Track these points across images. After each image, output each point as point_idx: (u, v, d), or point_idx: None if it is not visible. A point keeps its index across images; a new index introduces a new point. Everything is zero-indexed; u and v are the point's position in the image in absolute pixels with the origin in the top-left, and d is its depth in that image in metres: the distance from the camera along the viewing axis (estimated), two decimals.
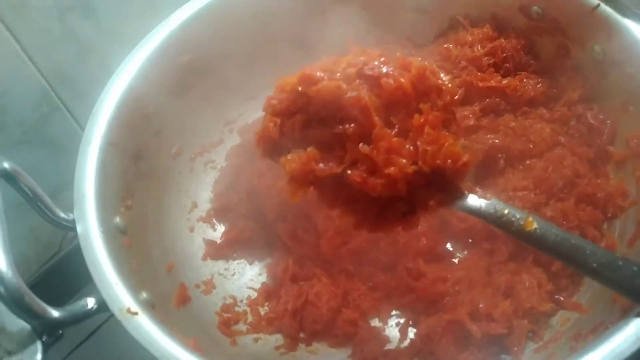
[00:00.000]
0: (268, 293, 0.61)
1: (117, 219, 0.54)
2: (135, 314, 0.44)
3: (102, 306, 0.45)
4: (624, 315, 0.44)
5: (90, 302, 0.45)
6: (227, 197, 0.67)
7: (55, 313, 0.42)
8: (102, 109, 0.59)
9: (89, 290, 0.47)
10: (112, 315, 0.44)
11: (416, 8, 0.73)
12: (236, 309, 0.61)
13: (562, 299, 0.55)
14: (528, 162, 0.61)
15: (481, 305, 0.52)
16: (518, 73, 0.67)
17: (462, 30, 0.71)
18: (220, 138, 0.73)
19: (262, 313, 0.60)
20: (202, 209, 0.68)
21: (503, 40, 0.67)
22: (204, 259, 0.64)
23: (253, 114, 0.74)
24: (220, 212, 0.68)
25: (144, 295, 0.48)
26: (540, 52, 0.67)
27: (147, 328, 0.43)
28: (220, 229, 0.67)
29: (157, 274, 0.57)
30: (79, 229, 0.50)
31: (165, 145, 0.67)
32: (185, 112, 0.69)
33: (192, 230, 0.66)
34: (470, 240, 0.57)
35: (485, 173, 0.62)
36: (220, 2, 0.68)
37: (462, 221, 0.58)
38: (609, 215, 0.57)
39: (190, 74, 0.68)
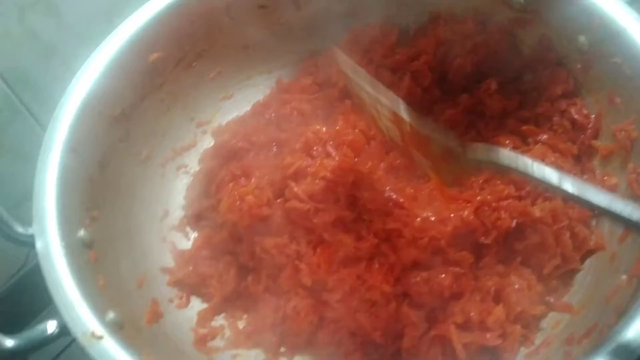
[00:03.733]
0: (246, 305, 0.58)
1: (82, 232, 0.50)
2: (101, 337, 0.40)
3: (64, 330, 0.41)
4: (619, 316, 0.43)
5: (51, 326, 0.42)
6: (201, 203, 0.64)
7: (9, 342, 0.39)
8: (64, 113, 0.55)
9: (50, 312, 0.43)
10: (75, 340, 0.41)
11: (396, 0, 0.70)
12: (213, 323, 0.57)
13: (552, 300, 0.53)
14: None
15: (472, 314, 0.50)
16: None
17: (442, 25, 0.68)
18: (193, 141, 0.69)
19: (241, 327, 0.57)
20: (174, 217, 0.65)
21: (486, 36, 0.65)
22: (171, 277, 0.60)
23: (227, 114, 0.71)
24: (193, 219, 0.64)
25: (112, 315, 0.45)
26: (524, 46, 0.65)
27: (113, 354, 0.40)
28: (194, 237, 0.64)
29: (127, 290, 0.53)
30: (38, 245, 0.46)
31: (134, 151, 0.63)
32: (154, 114, 0.65)
33: (164, 240, 0.62)
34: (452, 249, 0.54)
35: (463, 187, 0.58)
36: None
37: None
38: (597, 212, 0.55)
39: (158, 74, 0.65)
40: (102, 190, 0.56)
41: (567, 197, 0.42)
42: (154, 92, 0.65)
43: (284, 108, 0.67)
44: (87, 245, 0.50)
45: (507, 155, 0.43)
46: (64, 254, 0.45)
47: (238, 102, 0.72)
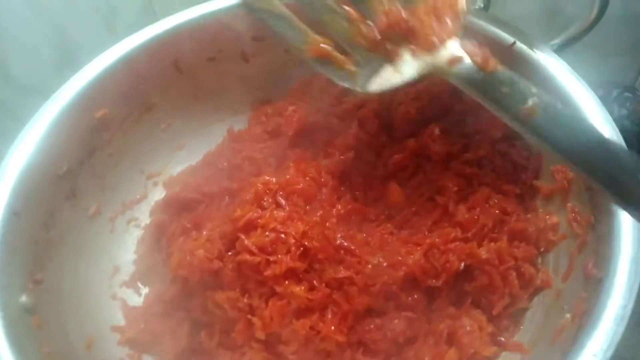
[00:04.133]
0: None
1: (23, 298, 0.49)
2: None
3: None
4: (564, 356, 0.44)
5: None
6: (152, 257, 0.63)
7: None
8: (4, 174, 0.54)
9: None
10: None
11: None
12: None
13: (503, 339, 0.54)
14: (452, 209, 0.59)
15: (426, 359, 0.50)
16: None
17: None
18: (143, 193, 0.69)
19: None
20: (125, 272, 0.63)
21: (427, 82, 0.67)
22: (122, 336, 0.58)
23: (179, 164, 0.71)
24: (145, 274, 0.63)
25: None
26: (463, 92, 0.67)
27: None
28: (145, 293, 0.63)
29: (74, 354, 0.51)
30: None
31: (81, 207, 0.62)
32: (102, 170, 0.65)
33: (114, 297, 0.61)
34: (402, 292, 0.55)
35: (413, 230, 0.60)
36: (137, 53, 0.65)
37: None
38: (542, 249, 0.57)
39: (106, 129, 0.65)
40: (47, 251, 0.55)
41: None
42: (102, 148, 0.65)
43: (236, 157, 0.67)
44: (30, 311, 0.49)
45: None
46: (2, 325, 0.44)
47: (190, 152, 0.72)
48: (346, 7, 0.52)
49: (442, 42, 0.47)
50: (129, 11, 0.89)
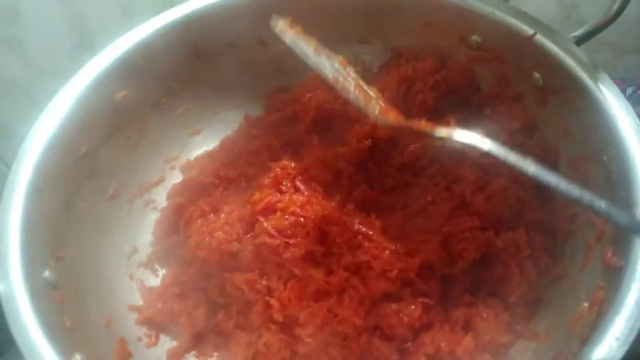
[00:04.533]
0: (217, 342, 0.57)
1: (47, 273, 0.49)
2: None
3: None
4: (583, 344, 0.44)
5: None
6: (169, 239, 0.63)
7: None
8: (28, 151, 0.54)
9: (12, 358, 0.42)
10: None
11: (359, 38, 0.73)
12: None
13: (519, 328, 0.54)
14: (469, 199, 0.60)
15: (443, 344, 0.51)
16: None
17: (404, 63, 0.71)
18: (161, 176, 0.69)
19: None
20: (142, 253, 0.64)
21: (446, 73, 0.68)
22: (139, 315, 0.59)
23: (196, 148, 0.72)
24: (162, 255, 0.63)
25: (78, 357, 0.44)
26: (482, 83, 0.68)
27: None
28: (162, 274, 0.63)
29: (94, 330, 0.52)
30: (1, 288, 0.45)
31: (100, 188, 0.62)
32: (121, 152, 0.65)
33: (131, 277, 0.61)
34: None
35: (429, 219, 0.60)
36: (156, 36, 0.65)
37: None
38: (558, 240, 0.57)
39: (125, 112, 0.65)
40: (68, 229, 0.55)
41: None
42: (121, 130, 0.65)
43: (252, 143, 0.68)
44: (53, 286, 0.49)
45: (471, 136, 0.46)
46: (28, 297, 0.44)
47: (206, 138, 0.73)
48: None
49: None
50: None
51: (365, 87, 0.51)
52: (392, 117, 0.51)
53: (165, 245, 0.63)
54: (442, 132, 0.49)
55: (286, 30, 0.54)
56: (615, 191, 0.50)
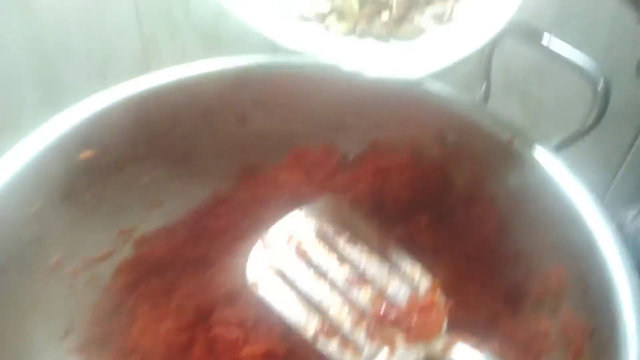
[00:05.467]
0: None
1: None
2: None
3: None
4: None
5: None
6: (110, 322, 0.57)
7: None
8: None
9: None
10: None
11: (337, 125, 0.72)
12: None
13: None
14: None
15: None
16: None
17: (381, 156, 0.70)
18: (110, 250, 0.63)
19: None
20: (77, 336, 0.57)
21: (421, 169, 0.67)
22: None
23: (155, 223, 0.67)
24: (99, 341, 0.57)
25: None
26: (456, 182, 0.67)
27: None
28: None
29: None
30: None
31: (43, 255, 0.56)
32: (74, 217, 0.60)
33: None
34: None
35: None
36: (133, 100, 0.62)
37: None
38: (531, 357, 0.54)
39: (86, 174, 0.60)
40: None
41: None
42: (78, 193, 0.60)
43: (218, 222, 0.64)
44: None
45: None
46: None
47: (167, 212, 0.68)
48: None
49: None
50: (122, 63, 0.88)
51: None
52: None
53: (104, 330, 0.57)
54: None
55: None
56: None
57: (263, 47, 0.93)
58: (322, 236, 0.53)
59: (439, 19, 0.60)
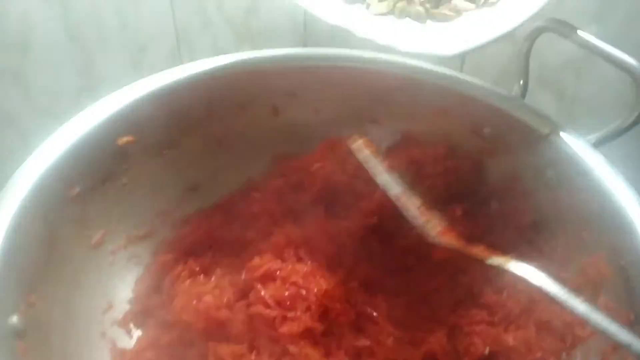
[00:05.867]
0: None
1: (15, 319, 0.44)
2: None
3: None
4: None
5: None
6: (151, 298, 0.58)
7: None
8: (17, 185, 0.50)
9: None
10: None
11: (370, 118, 0.73)
12: None
13: None
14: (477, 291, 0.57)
15: None
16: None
17: (414, 147, 0.70)
18: (150, 230, 0.65)
19: None
20: (118, 310, 0.58)
21: (456, 161, 0.67)
22: None
23: (191, 206, 0.68)
24: (140, 315, 0.58)
25: None
26: (492, 175, 0.67)
27: None
28: (138, 335, 0.57)
29: None
30: None
31: (85, 234, 0.58)
32: (114, 199, 0.61)
33: (103, 336, 0.55)
34: None
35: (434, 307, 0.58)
36: (171, 88, 0.64)
37: None
38: (568, 344, 0.54)
39: (125, 158, 0.62)
40: (44, 273, 0.50)
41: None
42: (117, 176, 0.61)
43: (253, 207, 0.65)
44: (18, 334, 0.43)
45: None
46: None
47: (203, 196, 0.69)
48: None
49: None
50: (156, 53, 0.90)
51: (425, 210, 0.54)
52: (451, 239, 0.53)
53: (145, 305, 0.58)
54: (496, 260, 0.50)
55: (362, 149, 0.58)
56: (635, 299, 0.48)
57: (294, 39, 0.95)
58: None
59: (476, 1, 0.60)
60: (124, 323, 0.58)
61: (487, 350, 0.51)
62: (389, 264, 0.61)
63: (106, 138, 0.59)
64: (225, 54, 0.68)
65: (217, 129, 0.69)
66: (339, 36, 0.67)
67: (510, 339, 0.52)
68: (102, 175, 0.60)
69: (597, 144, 0.59)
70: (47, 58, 0.83)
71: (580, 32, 0.58)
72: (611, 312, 0.51)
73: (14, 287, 0.45)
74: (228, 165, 0.71)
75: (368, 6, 0.59)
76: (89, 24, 0.82)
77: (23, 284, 0.47)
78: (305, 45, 0.97)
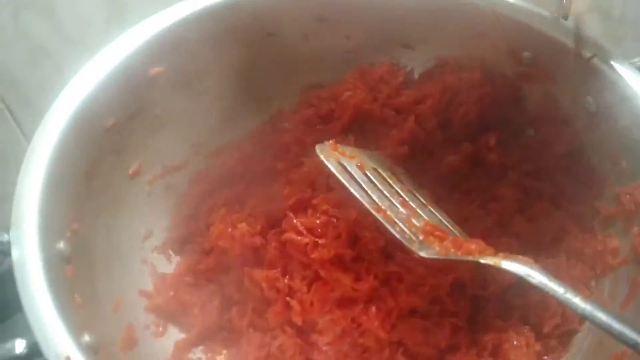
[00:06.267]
0: (227, 339, 0.54)
1: (61, 245, 0.46)
2: None
3: (34, 351, 0.37)
4: None
5: (20, 346, 0.37)
6: (188, 226, 0.61)
7: None
8: (55, 117, 0.51)
9: (17, 328, 0.39)
10: None
11: (403, 43, 0.70)
12: (190, 355, 0.53)
13: None
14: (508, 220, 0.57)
15: None
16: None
17: (449, 72, 0.68)
18: (185, 161, 0.66)
19: None
20: (157, 237, 0.61)
21: (492, 87, 0.65)
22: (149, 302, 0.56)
23: (223, 137, 0.68)
24: (178, 242, 0.60)
25: (87, 338, 0.41)
26: (529, 101, 0.65)
27: None
28: (177, 261, 0.60)
29: (103, 312, 0.49)
30: (14, 253, 0.42)
31: (123, 164, 0.59)
32: (148, 130, 0.62)
33: (144, 262, 0.58)
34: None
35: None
36: (196, 17, 0.62)
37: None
38: (598, 272, 0.54)
39: (157, 89, 0.62)
40: (86, 202, 0.52)
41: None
42: (150, 107, 0.62)
43: (284, 137, 0.65)
44: (66, 259, 0.46)
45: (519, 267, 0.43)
46: (42, 267, 0.41)
47: (235, 127, 0.70)
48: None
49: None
50: None
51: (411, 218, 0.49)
52: (438, 250, 0.47)
53: (182, 232, 0.60)
54: (488, 260, 0.45)
55: (330, 153, 0.52)
56: None
57: None
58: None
59: None
60: (163, 249, 0.60)
61: (514, 279, 0.52)
62: (420, 193, 0.61)
63: (137, 69, 0.59)
64: None
65: (245, 59, 0.68)
66: None
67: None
68: (135, 106, 0.60)
69: None
70: None
71: None
72: None
73: (59, 216, 0.47)
74: (258, 96, 0.71)
75: None
76: None
77: (66, 213, 0.49)
78: None
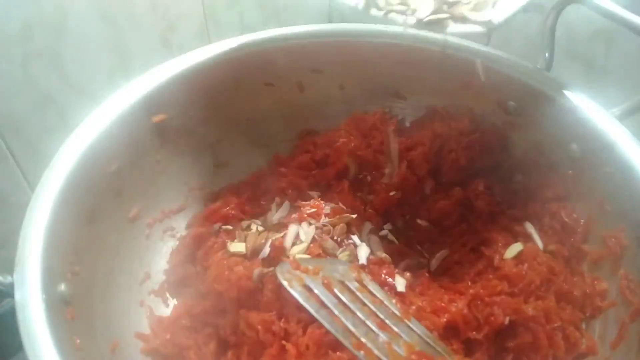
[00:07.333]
0: None
1: (62, 286, 0.47)
2: None
3: None
4: None
5: None
6: (185, 269, 0.62)
7: None
8: (60, 162, 0.53)
9: None
10: None
11: (395, 92, 0.73)
12: None
13: None
14: (498, 264, 0.58)
15: None
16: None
17: (438, 121, 0.71)
18: (183, 204, 0.68)
19: None
20: (155, 280, 0.62)
21: (480, 134, 0.68)
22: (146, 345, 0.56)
23: (221, 181, 0.71)
24: (175, 285, 0.61)
25: None
26: (516, 148, 0.68)
27: None
28: (174, 304, 0.61)
29: (101, 354, 0.49)
30: (17, 295, 0.43)
31: (124, 208, 0.61)
32: (149, 174, 0.64)
33: (142, 304, 0.59)
34: None
35: (455, 279, 0.59)
36: (202, 67, 0.66)
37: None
38: (587, 314, 0.55)
39: (159, 135, 0.65)
40: (87, 245, 0.54)
41: None
42: (153, 152, 0.64)
43: (280, 181, 0.67)
44: (67, 301, 0.47)
45: None
46: (43, 308, 0.42)
47: (233, 171, 0.72)
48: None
49: None
50: (185, 31, 0.91)
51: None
52: None
53: (180, 275, 0.61)
54: None
55: (292, 274, 0.52)
56: None
57: (319, 17, 0.94)
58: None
59: None
60: (160, 292, 0.61)
61: (507, 320, 0.53)
62: (411, 237, 0.63)
63: (140, 116, 0.62)
64: (251, 31, 0.70)
65: (244, 106, 0.71)
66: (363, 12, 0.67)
67: (529, 309, 0.53)
68: (138, 151, 0.62)
69: (623, 117, 0.59)
70: (82, 39, 0.85)
71: (605, 2, 0.57)
72: (630, 283, 0.52)
73: (61, 258, 0.49)
74: (256, 141, 0.74)
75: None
76: (121, 5, 0.84)
77: (68, 254, 0.50)
78: (330, 21, 0.98)
